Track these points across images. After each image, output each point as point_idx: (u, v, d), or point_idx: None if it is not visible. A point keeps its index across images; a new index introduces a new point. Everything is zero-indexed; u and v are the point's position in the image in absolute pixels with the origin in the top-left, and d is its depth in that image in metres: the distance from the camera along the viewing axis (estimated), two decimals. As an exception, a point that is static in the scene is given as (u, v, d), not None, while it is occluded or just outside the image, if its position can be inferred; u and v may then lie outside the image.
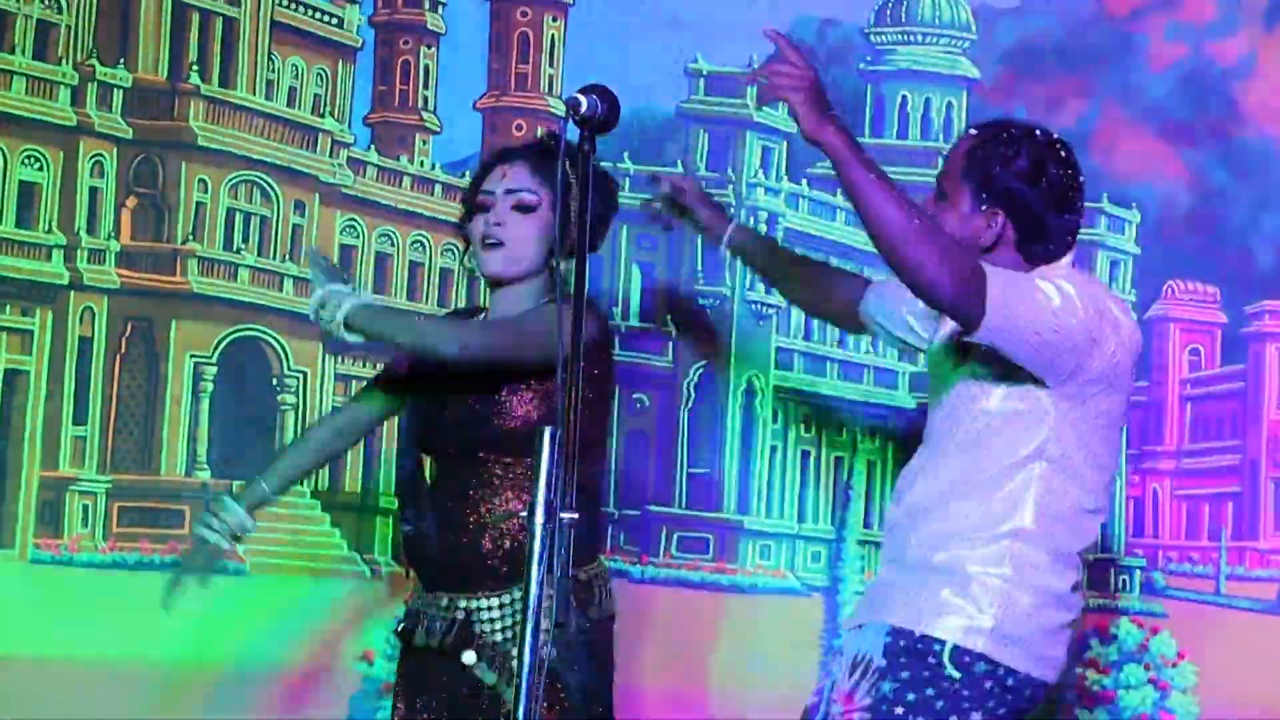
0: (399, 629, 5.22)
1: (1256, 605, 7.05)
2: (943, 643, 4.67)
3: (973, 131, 4.90)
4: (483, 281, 5.25)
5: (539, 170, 5.08)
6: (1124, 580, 7.15)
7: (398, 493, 5.33)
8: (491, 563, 5.00)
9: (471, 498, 5.03)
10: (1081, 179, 4.90)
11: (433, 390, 5.14)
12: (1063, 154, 4.87)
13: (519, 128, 7.23)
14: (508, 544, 5.00)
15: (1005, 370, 4.72)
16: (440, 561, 5.06)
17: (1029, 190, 4.79)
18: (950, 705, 4.67)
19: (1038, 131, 4.90)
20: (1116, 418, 4.89)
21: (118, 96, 6.86)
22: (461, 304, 7.10)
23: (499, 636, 5.00)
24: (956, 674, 4.64)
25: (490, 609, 5.01)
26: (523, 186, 5.08)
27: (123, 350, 6.82)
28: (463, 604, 5.02)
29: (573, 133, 4.26)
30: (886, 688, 4.68)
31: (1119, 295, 5.00)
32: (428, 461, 5.27)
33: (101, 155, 6.75)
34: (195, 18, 6.97)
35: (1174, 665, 6.95)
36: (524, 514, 4.14)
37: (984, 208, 4.79)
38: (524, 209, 5.07)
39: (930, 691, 4.66)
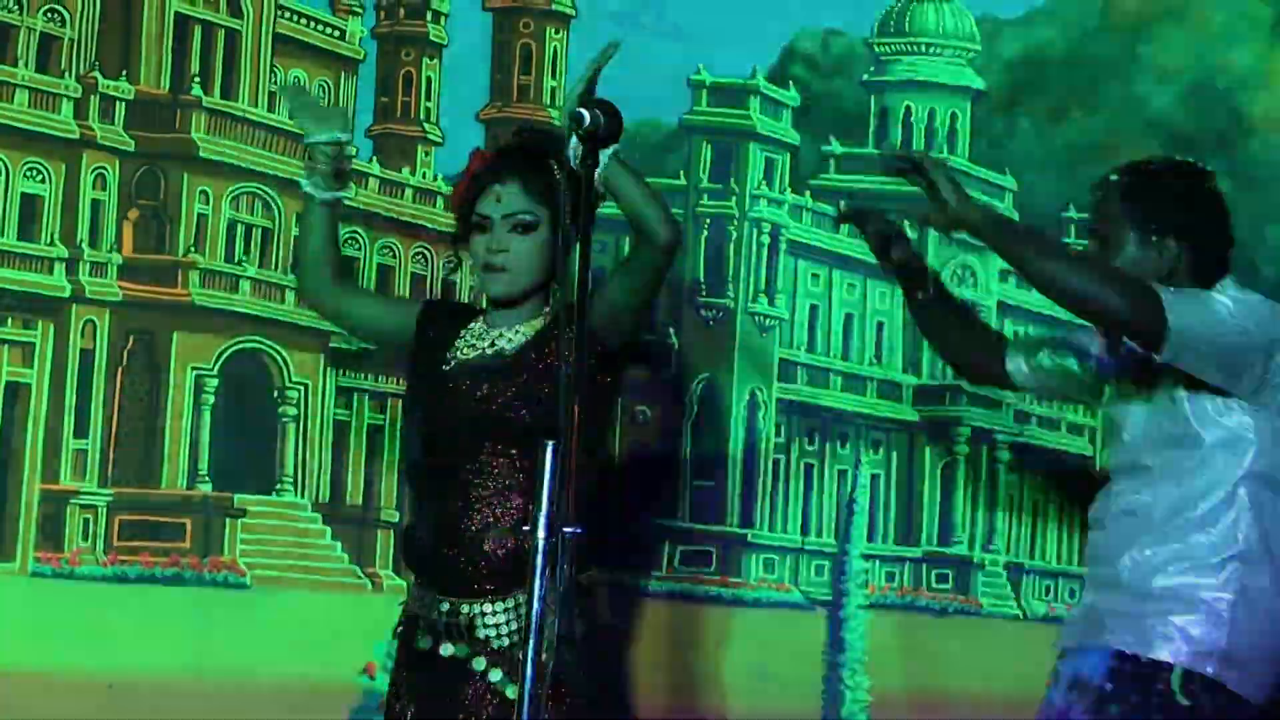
0: (397, 632, 5.21)
1: None
2: (1171, 667, 4.73)
3: (1114, 177, 5.01)
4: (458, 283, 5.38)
5: (532, 188, 5.10)
6: None
7: (410, 480, 5.36)
8: (494, 566, 5.00)
9: (478, 497, 5.04)
10: (1224, 200, 5.07)
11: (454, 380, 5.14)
12: (1208, 181, 5.04)
13: None
14: (510, 545, 4.99)
15: (1200, 393, 4.85)
16: (443, 563, 5.06)
17: (1192, 215, 4.94)
18: None
19: (1181, 162, 5.11)
20: None
21: (120, 109, 6.84)
22: None
23: (505, 641, 5.00)
24: (1185, 701, 4.70)
25: (495, 613, 5.01)
26: (519, 208, 5.10)
27: (124, 363, 6.79)
28: (465, 609, 5.02)
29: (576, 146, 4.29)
30: (1114, 711, 4.75)
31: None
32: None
33: (104, 167, 6.74)
34: (197, 30, 6.94)
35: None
36: (526, 528, 4.15)
37: (1154, 239, 4.92)
38: (523, 229, 5.10)
39: (1159, 717, 4.72)
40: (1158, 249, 4.91)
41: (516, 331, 5.15)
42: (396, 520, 6.92)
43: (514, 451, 5.00)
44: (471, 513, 5.01)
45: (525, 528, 4.43)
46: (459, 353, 5.19)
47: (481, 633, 5.00)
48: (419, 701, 5.09)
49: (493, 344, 5.16)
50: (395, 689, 5.20)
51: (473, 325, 5.24)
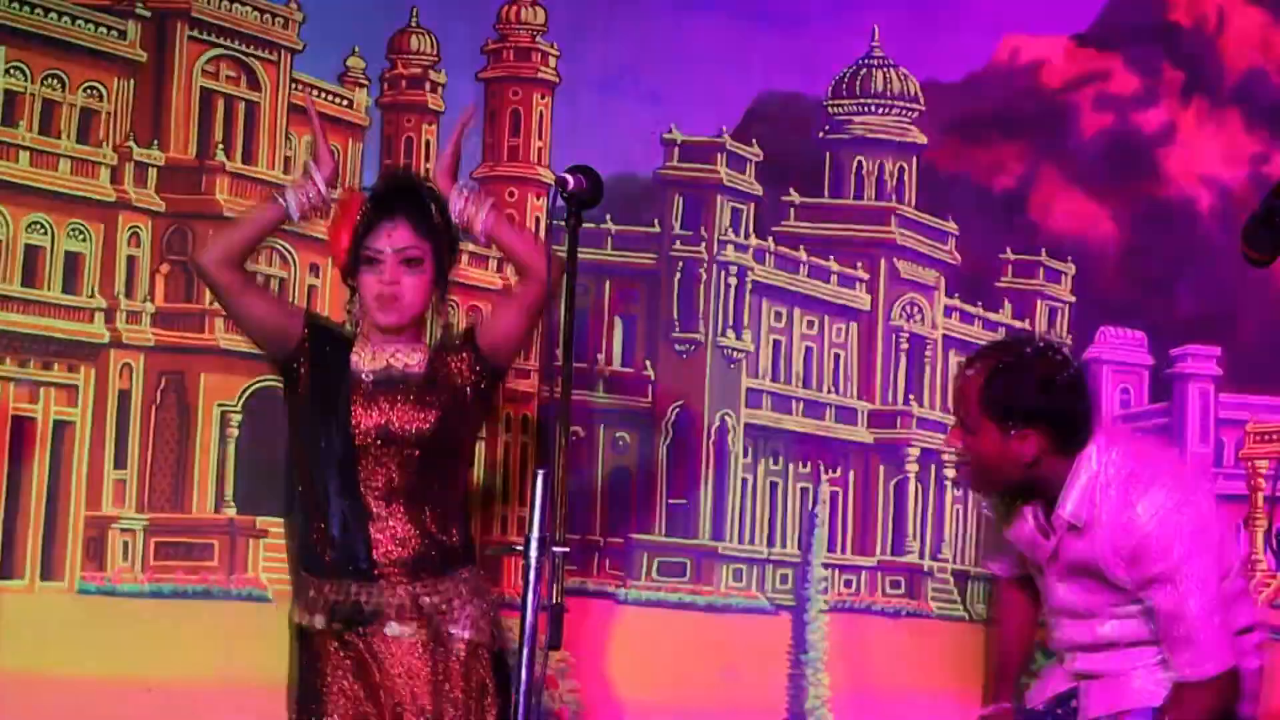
0: (301, 621, 5.10)
1: None
2: None
3: (970, 371, 4.85)
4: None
5: (420, 227, 5.09)
6: None
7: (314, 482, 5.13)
8: (393, 556, 5.01)
9: (385, 496, 5.03)
10: (1077, 369, 4.91)
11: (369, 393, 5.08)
12: (1058, 358, 4.85)
13: (511, 194, 7.28)
14: (413, 539, 5.01)
15: None
16: (347, 552, 5.02)
17: (1046, 401, 4.78)
18: None
19: (1027, 348, 4.89)
20: None
21: (152, 174, 6.91)
22: None
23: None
24: None
25: (394, 597, 5.01)
26: (408, 245, 5.08)
27: (158, 401, 6.88)
28: (364, 591, 5.02)
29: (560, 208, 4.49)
30: None
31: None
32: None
33: (138, 227, 6.82)
34: (221, 103, 7.04)
35: None
36: (519, 547, 4.40)
37: (1013, 432, 4.77)
38: (412, 264, 5.08)
39: None
40: (1019, 441, 4.78)
41: (414, 352, 5.14)
42: None
43: (415, 455, 5.01)
44: (379, 509, 5.00)
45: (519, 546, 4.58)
46: (363, 365, 5.14)
47: (376, 611, 5.00)
48: (328, 680, 5.03)
49: (393, 358, 5.13)
50: (307, 674, 5.09)
51: (356, 345, 5.18)
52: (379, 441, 5.04)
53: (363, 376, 5.11)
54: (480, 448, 7.04)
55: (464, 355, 5.17)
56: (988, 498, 5.03)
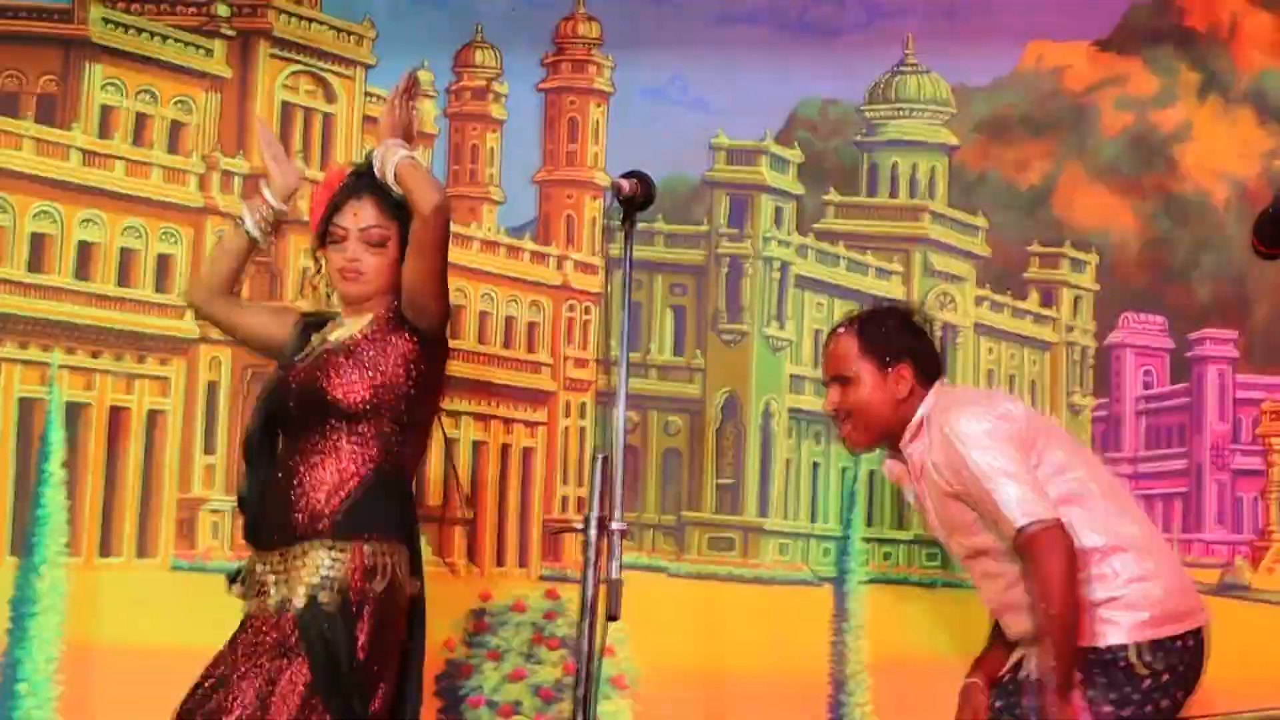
0: (241, 591, 5.04)
1: (1203, 589, 6.75)
2: (1126, 647, 4.99)
3: (841, 330, 5.26)
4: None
5: (386, 207, 5.02)
6: None
7: (245, 454, 5.10)
8: (325, 522, 4.90)
9: (310, 459, 4.94)
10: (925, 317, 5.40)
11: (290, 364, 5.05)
12: (906, 308, 5.41)
13: (569, 197, 7.36)
14: (338, 502, 4.92)
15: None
16: (281, 519, 4.92)
17: (910, 336, 5.22)
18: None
19: (890, 305, 5.45)
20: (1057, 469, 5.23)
21: (236, 182, 6.98)
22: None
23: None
24: (1145, 670, 4.97)
25: (328, 564, 4.90)
26: (373, 224, 5.02)
27: (244, 392, 6.89)
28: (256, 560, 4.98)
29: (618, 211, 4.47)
30: (1091, 693, 4.95)
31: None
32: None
33: (224, 231, 6.68)
34: (300, 114, 7.13)
35: None
36: (580, 526, 4.32)
37: (889, 370, 5.18)
38: (376, 244, 5.02)
39: (1129, 688, 4.98)
40: (896, 377, 5.18)
41: (356, 323, 5.09)
42: (470, 518, 7.06)
43: (343, 423, 4.92)
44: (309, 474, 4.92)
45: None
46: (328, 336, 5.12)
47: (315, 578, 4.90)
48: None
49: (336, 329, 5.12)
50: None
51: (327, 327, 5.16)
52: (296, 408, 4.98)
53: (307, 349, 5.11)
54: (542, 433, 7.26)
55: (404, 328, 5.07)
56: (866, 450, 5.32)
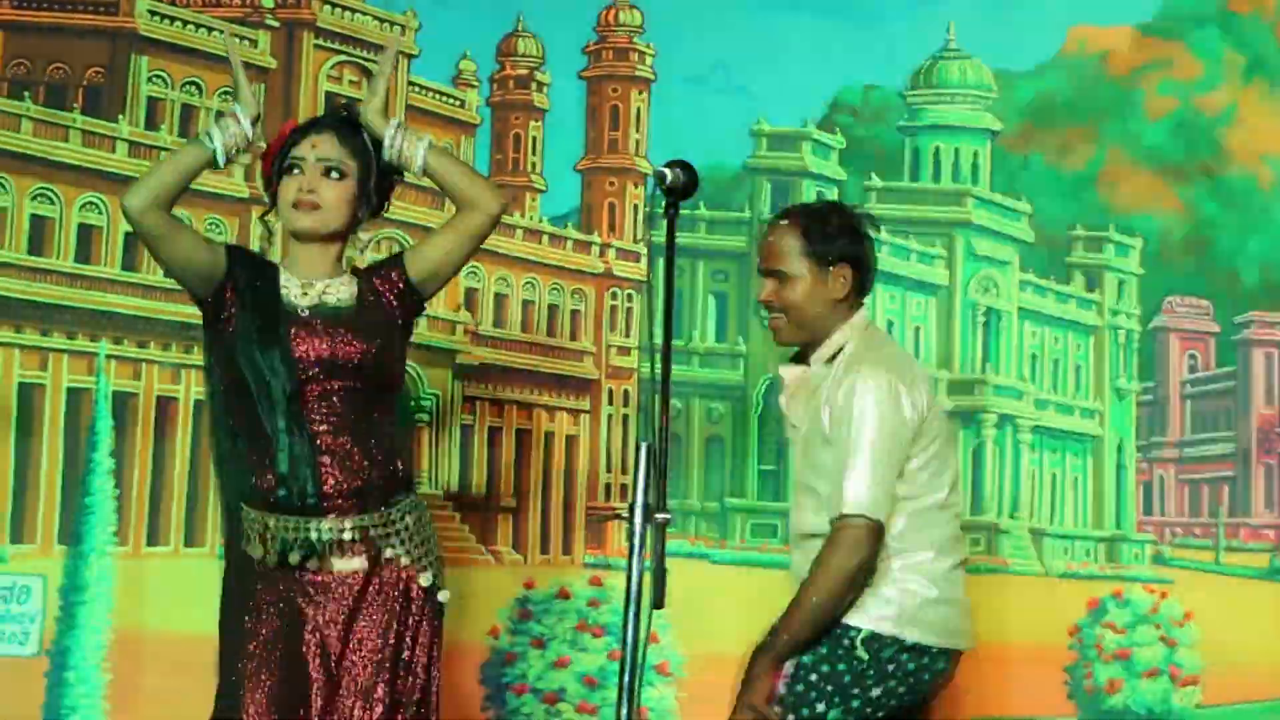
0: (252, 553, 4.78)
1: (1251, 572, 7.26)
2: (859, 630, 4.80)
3: (784, 222, 4.91)
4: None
5: (346, 142, 4.75)
6: (1136, 553, 7.38)
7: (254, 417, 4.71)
8: (343, 489, 4.68)
9: (327, 429, 4.69)
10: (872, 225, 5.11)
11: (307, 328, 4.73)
12: (858, 211, 5.00)
13: (611, 184, 7.41)
14: (353, 471, 4.69)
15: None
16: (297, 487, 4.67)
17: (855, 245, 4.92)
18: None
19: (836, 203, 5.13)
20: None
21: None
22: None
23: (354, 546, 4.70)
24: (865, 655, 4.77)
25: (344, 530, 4.71)
26: (332, 155, 4.73)
27: None
28: (314, 525, 4.69)
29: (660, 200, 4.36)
30: (806, 658, 4.78)
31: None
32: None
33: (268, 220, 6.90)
34: (343, 104, 6.88)
35: (1180, 625, 7.13)
36: (624, 514, 4.22)
37: (830, 269, 4.88)
38: (334, 174, 4.72)
39: (841, 666, 4.79)
40: (836, 277, 4.89)
41: (343, 285, 4.79)
42: (514, 506, 7.11)
43: (356, 386, 4.69)
44: (324, 441, 4.66)
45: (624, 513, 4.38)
46: (294, 300, 4.76)
47: (324, 546, 4.70)
48: (266, 609, 4.74)
49: (325, 293, 4.78)
50: (245, 601, 4.79)
51: (283, 277, 4.80)
52: (322, 374, 4.70)
53: (299, 310, 4.75)
54: (585, 421, 7.31)
55: (393, 283, 4.85)
56: (790, 345, 5.00)
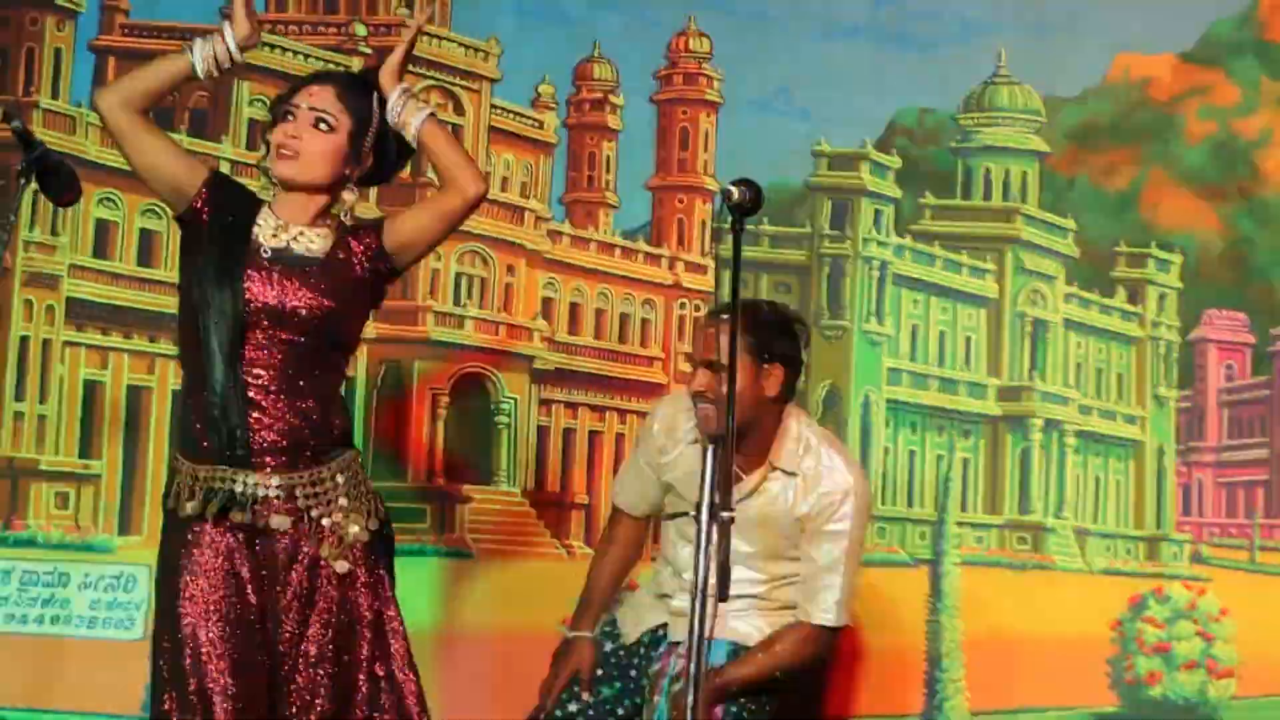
0: (173, 506, 4.48)
1: None
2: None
3: (725, 317, 4.75)
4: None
5: (343, 98, 4.53)
6: (1175, 552, 7.35)
7: (200, 363, 4.43)
8: (270, 443, 4.44)
9: (270, 379, 4.44)
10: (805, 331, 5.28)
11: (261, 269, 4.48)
12: (794, 315, 5.22)
13: (680, 201, 7.43)
14: (293, 428, 4.45)
15: None
16: (225, 436, 4.40)
17: (790, 343, 5.10)
18: None
19: (766, 306, 5.22)
20: None
21: (372, 191, 6.51)
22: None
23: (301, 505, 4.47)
24: None
25: (270, 486, 4.45)
26: (325, 108, 4.49)
27: (379, 386, 7.00)
28: (243, 478, 4.42)
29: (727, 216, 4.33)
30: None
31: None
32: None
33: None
34: None
35: (1217, 620, 7.14)
36: (691, 513, 4.26)
37: (764, 367, 5.04)
38: (321, 126, 4.49)
39: None
40: (768, 375, 5.03)
41: (317, 234, 4.55)
42: (587, 503, 7.15)
43: (303, 340, 4.44)
44: (257, 390, 4.40)
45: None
46: (264, 240, 4.52)
47: (249, 498, 4.45)
48: (197, 561, 4.46)
49: (296, 240, 4.54)
50: (177, 558, 4.48)
51: (263, 214, 4.57)
52: (267, 321, 4.43)
53: (261, 251, 4.48)
54: None
55: (367, 244, 4.56)
56: (716, 435, 4.84)
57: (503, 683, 6.34)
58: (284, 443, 4.46)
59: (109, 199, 6.91)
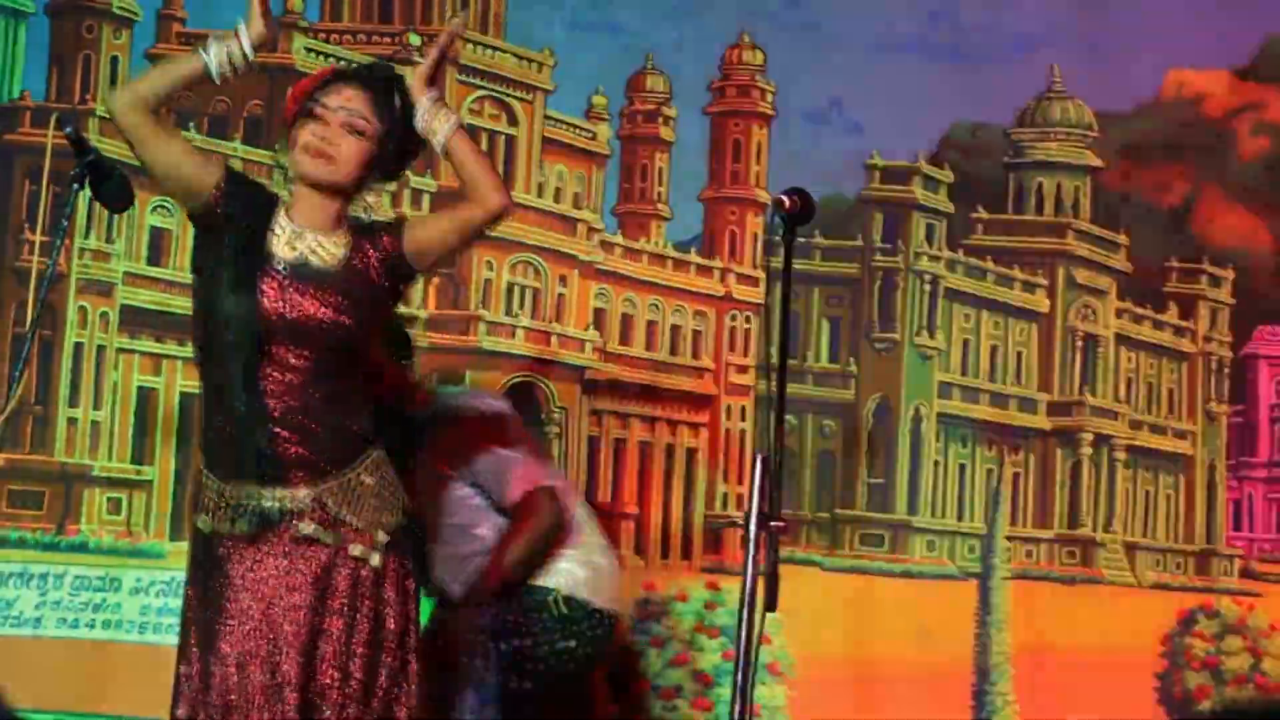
0: (202, 526, 4.29)
1: None
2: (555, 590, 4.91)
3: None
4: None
5: (377, 102, 4.30)
6: (1225, 567, 7.35)
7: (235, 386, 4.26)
8: (302, 459, 4.27)
9: (285, 392, 4.24)
10: None
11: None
12: None
13: (732, 213, 7.39)
14: (317, 439, 4.28)
15: None
16: (249, 452, 4.24)
17: None
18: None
19: None
20: None
21: (425, 199, 6.97)
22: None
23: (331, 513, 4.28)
24: (565, 611, 4.88)
25: (300, 499, 4.26)
26: (358, 111, 4.26)
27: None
28: (272, 494, 4.25)
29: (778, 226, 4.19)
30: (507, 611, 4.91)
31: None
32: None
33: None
34: (484, 137, 7.10)
35: (1267, 635, 7.11)
36: (740, 521, 4.08)
37: None
38: (355, 132, 4.26)
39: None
40: None
41: (335, 244, 4.30)
42: (637, 513, 7.10)
43: (322, 353, 4.25)
44: (278, 406, 4.22)
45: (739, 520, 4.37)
46: (279, 250, 4.29)
47: (287, 516, 4.27)
48: (220, 579, 4.28)
49: (314, 251, 4.31)
50: (200, 574, 4.33)
51: (279, 219, 4.33)
52: (284, 337, 4.26)
53: (276, 263, 4.28)
54: (704, 434, 7.27)
55: (384, 248, 4.33)
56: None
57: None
58: (310, 455, 4.29)
59: (163, 206, 6.87)
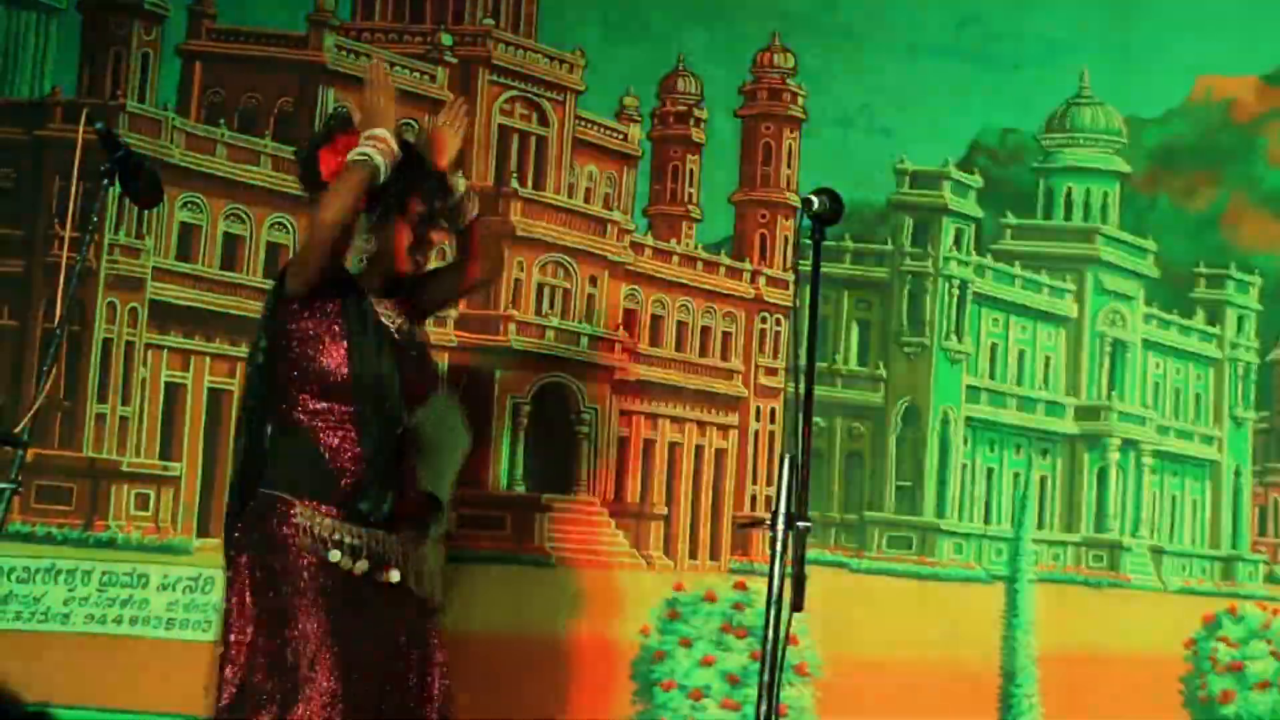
0: (333, 554, 4.37)
1: None
2: None
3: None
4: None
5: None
6: (1250, 571, 7.25)
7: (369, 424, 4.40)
8: (399, 508, 4.37)
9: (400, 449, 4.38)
10: None
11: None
12: None
13: (763, 216, 7.33)
14: (409, 493, 4.40)
15: None
16: (376, 501, 4.34)
17: None
18: None
19: None
20: None
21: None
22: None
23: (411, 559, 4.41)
24: None
25: (398, 542, 4.34)
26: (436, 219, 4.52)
27: (460, 393, 6.85)
28: (383, 538, 4.36)
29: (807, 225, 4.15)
30: None
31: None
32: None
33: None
34: (515, 137, 7.09)
35: None
36: (768, 522, 4.07)
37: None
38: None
39: None
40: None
41: (399, 313, 4.45)
42: (666, 514, 7.04)
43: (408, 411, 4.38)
44: (402, 464, 4.35)
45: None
46: (389, 323, 4.43)
47: (391, 558, 4.39)
48: (342, 611, 4.36)
49: (404, 322, 4.46)
50: (321, 601, 4.38)
51: (361, 296, 4.44)
52: (404, 399, 4.41)
53: (394, 334, 4.45)
54: (733, 435, 7.26)
55: (409, 310, 4.51)
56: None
57: (577, 690, 6.41)
58: (412, 508, 4.44)
59: (192, 202, 6.84)
